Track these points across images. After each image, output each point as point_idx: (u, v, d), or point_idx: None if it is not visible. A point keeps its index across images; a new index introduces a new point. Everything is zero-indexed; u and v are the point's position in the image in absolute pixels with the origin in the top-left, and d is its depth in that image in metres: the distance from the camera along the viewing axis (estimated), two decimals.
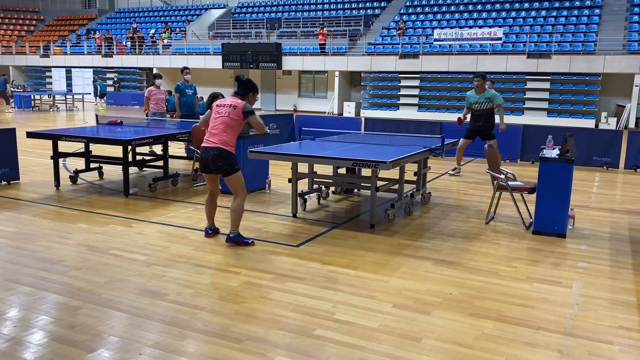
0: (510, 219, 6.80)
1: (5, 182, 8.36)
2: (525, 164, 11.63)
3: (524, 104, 22.72)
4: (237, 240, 5.46)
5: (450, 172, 10.04)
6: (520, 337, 3.69)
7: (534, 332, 3.77)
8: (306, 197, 7.16)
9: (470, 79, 23.36)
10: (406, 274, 4.84)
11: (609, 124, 20.78)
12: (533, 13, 24.98)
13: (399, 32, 25.73)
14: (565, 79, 22.08)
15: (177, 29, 32.71)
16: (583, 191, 8.71)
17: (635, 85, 20.76)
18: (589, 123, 20.87)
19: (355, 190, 8.17)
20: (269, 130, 5.74)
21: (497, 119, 9.78)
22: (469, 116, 9.66)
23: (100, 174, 9.07)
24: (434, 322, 3.89)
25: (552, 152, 6.26)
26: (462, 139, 9.50)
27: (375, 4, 29.93)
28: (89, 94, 29.51)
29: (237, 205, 5.43)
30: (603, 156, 11.23)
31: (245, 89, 5.49)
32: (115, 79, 32.01)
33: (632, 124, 20.75)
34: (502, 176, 6.58)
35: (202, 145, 5.44)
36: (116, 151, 9.82)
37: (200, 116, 11.18)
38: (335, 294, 4.34)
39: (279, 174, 9.00)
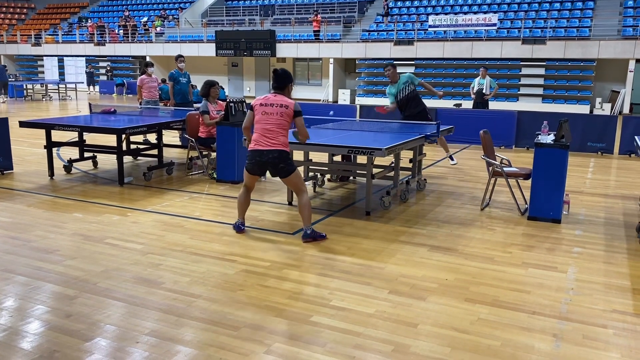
0: (506, 205, 6.82)
1: None
2: (520, 150, 11.65)
3: (518, 90, 22.70)
4: (314, 236, 5.28)
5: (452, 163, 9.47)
6: (516, 322, 3.71)
7: (529, 317, 3.79)
8: None
9: (465, 65, 23.34)
10: (402, 260, 4.85)
11: (604, 109, 20.80)
12: None
13: (386, 18, 25.70)
14: (560, 65, 22.05)
15: (170, 17, 32.43)
16: (578, 177, 8.74)
17: (630, 71, 20.77)
18: (584, 109, 20.89)
19: (351, 177, 8.17)
20: (308, 140, 5.65)
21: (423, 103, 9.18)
22: (393, 105, 8.85)
23: (95, 163, 9.03)
24: (430, 308, 3.91)
25: (547, 138, 6.27)
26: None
27: None
28: (82, 82, 29.28)
29: (305, 201, 5.28)
30: (598, 142, 11.26)
31: (284, 81, 5.32)
32: (108, 68, 31.76)
33: (626, 110, 20.78)
34: (497, 162, 6.59)
35: (255, 148, 5.19)
36: (110, 140, 9.77)
37: (195, 104, 11.20)
38: (332, 281, 4.35)
39: None
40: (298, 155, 7.21)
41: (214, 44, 27.94)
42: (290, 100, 5.27)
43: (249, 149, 5.31)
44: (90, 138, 10.47)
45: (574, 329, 3.64)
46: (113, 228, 5.68)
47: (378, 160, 8.65)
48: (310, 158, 7.31)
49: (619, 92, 21.23)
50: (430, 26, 23.86)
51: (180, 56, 11.09)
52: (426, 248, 5.19)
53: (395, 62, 10.41)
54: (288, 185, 5.40)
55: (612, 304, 4.02)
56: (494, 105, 17.30)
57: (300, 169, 7.35)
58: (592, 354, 3.32)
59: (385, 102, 10.54)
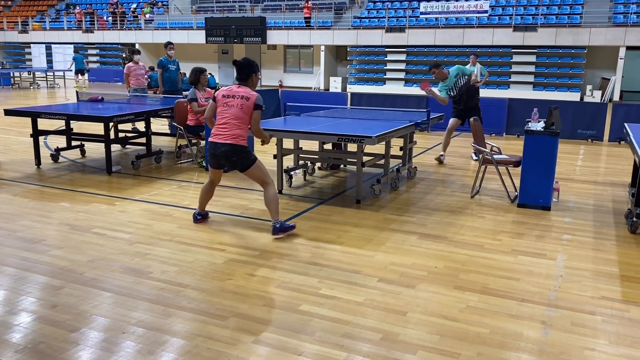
0: (496, 193, 6.82)
1: None
2: (511, 137, 11.66)
3: (509, 78, 22.72)
4: (284, 230, 5.08)
5: (441, 157, 8.76)
6: (505, 309, 3.71)
7: (518, 304, 3.79)
8: (292, 173, 7.11)
9: (456, 52, 23.27)
10: (392, 248, 4.84)
11: (594, 97, 20.87)
12: None
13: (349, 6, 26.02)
14: (551, 52, 22.07)
15: (160, 4, 32.04)
16: (568, 164, 8.76)
17: (620, 58, 20.82)
18: (574, 96, 20.95)
19: (342, 165, 8.14)
20: (268, 138, 5.37)
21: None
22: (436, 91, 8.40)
23: (82, 152, 8.93)
24: (419, 296, 3.90)
25: (538, 125, 6.26)
26: (452, 119, 8.54)
27: None
28: (70, 70, 28.92)
29: (271, 195, 5.08)
30: (588, 129, 11.29)
31: (247, 72, 5.05)
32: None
33: (616, 97, 20.86)
34: (487, 150, 6.58)
35: (211, 140, 5.05)
36: (98, 128, 9.66)
37: (184, 92, 11.09)
38: (321, 270, 4.33)
39: (264, 150, 8.91)
40: (288, 143, 7.16)
41: (203, 31, 27.68)
42: (254, 93, 5.04)
43: (208, 140, 5.15)
44: (78, 126, 10.35)
45: (562, 316, 3.64)
46: (100, 217, 5.62)
47: (368, 149, 8.62)
48: (300, 146, 7.27)
49: (609, 80, 21.29)
50: (421, 13, 23.77)
51: (169, 43, 10.96)
52: (416, 236, 5.18)
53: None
54: (250, 178, 5.19)
55: (600, 291, 4.03)
56: (484, 92, 17.29)
57: (290, 157, 7.31)
58: (580, 340, 3.33)
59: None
